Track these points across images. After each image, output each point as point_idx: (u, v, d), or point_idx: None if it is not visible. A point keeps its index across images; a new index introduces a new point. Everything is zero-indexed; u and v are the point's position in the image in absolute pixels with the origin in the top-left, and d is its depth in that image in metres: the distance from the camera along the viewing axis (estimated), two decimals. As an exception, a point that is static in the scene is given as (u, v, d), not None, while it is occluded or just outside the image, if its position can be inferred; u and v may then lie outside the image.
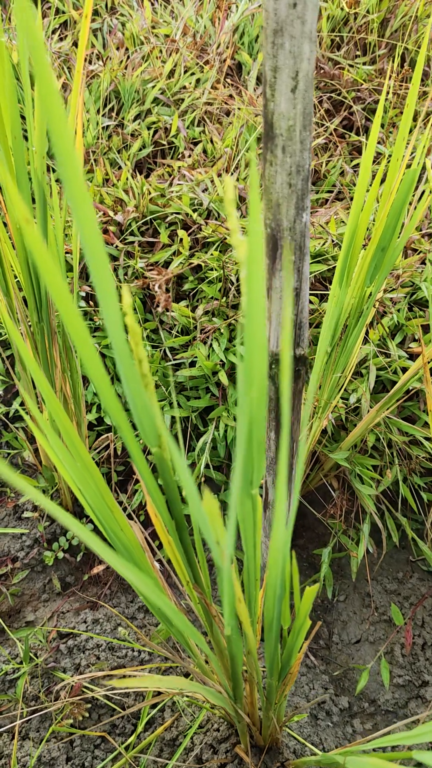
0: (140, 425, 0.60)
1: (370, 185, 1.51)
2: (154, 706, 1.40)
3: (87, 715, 1.35)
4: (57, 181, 1.79)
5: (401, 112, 1.90)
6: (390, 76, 1.92)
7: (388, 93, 1.91)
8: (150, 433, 0.61)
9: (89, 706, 1.36)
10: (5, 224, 1.08)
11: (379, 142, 1.89)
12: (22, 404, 1.75)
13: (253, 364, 0.50)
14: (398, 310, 1.52)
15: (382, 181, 1.76)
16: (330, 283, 1.58)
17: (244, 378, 0.53)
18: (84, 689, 1.36)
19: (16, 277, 1.25)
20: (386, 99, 1.93)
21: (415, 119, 1.92)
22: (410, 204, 1.58)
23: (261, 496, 1.26)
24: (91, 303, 1.65)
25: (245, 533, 0.66)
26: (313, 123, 0.73)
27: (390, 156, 1.81)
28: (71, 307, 0.41)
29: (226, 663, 0.84)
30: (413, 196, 1.55)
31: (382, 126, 1.92)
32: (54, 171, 1.86)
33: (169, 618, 0.59)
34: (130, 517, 1.64)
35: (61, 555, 1.61)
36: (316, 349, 1.23)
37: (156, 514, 0.80)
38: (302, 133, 0.70)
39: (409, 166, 1.79)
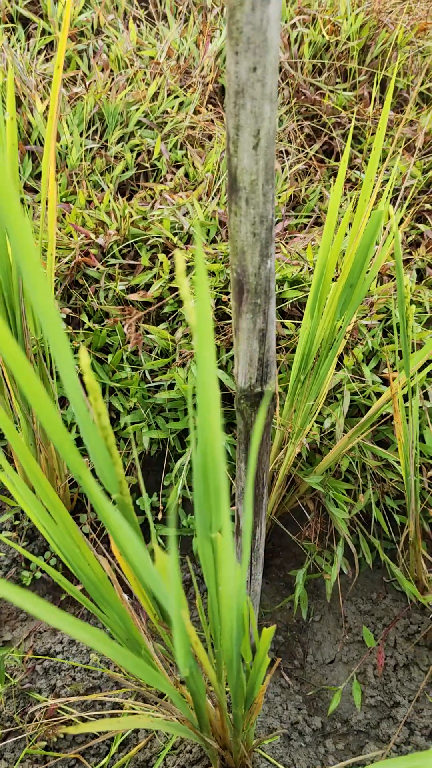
0: (101, 474, 0.62)
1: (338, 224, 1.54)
2: (128, 727, 1.41)
3: (62, 736, 1.36)
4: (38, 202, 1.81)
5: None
6: (369, 104, 1.96)
7: (366, 120, 1.95)
8: (111, 482, 0.63)
9: (64, 727, 1.37)
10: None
11: (357, 168, 1.92)
12: None
13: (206, 419, 0.52)
14: (373, 336, 1.55)
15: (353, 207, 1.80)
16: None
17: (199, 430, 0.55)
18: (59, 711, 1.37)
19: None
20: (364, 125, 1.96)
21: (399, 144, 1.95)
22: (384, 228, 1.61)
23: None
24: (70, 327, 1.67)
25: (207, 574, 0.68)
26: (275, 178, 0.76)
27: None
28: (33, 382, 0.43)
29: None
30: (384, 228, 1.58)
31: (360, 152, 1.95)
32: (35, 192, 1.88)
33: (128, 668, 0.61)
34: (107, 538, 1.65)
35: (39, 575, 1.62)
36: (290, 374, 1.25)
37: (120, 554, 0.82)
38: (264, 186, 0.72)
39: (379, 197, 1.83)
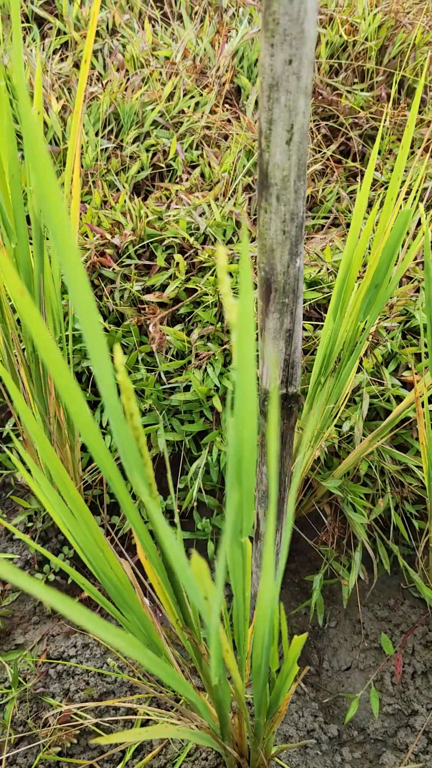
0: (131, 475, 0.61)
1: (366, 215, 1.53)
2: (142, 733, 1.39)
3: (75, 741, 1.35)
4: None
5: (398, 139, 1.92)
6: (387, 104, 1.94)
7: (384, 120, 1.93)
8: (141, 483, 0.61)
9: (77, 732, 1.36)
10: None
11: (376, 169, 1.90)
12: (15, 426, 1.75)
13: (243, 424, 0.50)
14: (392, 338, 1.53)
15: (380, 206, 1.78)
16: (325, 311, 1.59)
17: (234, 434, 0.53)
18: (72, 716, 1.35)
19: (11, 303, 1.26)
20: (383, 126, 1.94)
21: (412, 146, 1.93)
22: (408, 233, 1.59)
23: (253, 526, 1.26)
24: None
25: (235, 579, 0.66)
26: (306, 174, 0.74)
27: (386, 184, 1.83)
28: (71, 383, 0.42)
29: (213, 700, 0.84)
30: (409, 229, 1.56)
31: (379, 153, 1.93)
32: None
33: (157, 674, 0.60)
34: (121, 541, 1.64)
35: (52, 577, 1.60)
36: (310, 377, 1.23)
37: (146, 558, 0.80)
38: (296, 182, 0.71)
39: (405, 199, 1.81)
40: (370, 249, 1.59)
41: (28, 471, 1.50)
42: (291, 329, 0.84)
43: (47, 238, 0.97)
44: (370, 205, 1.82)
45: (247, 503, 0.60)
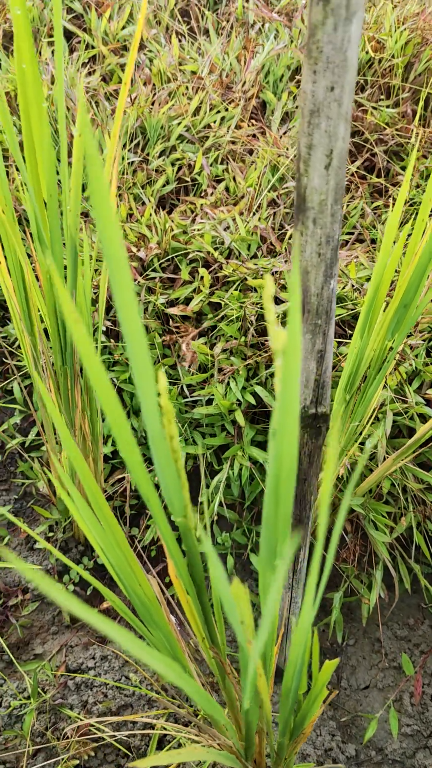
0: (167, 496, 0.61)
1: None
2: (160, 747, 1.39)
3: (93, 754, 1.35)
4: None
5: (424, 156, 1.92)
6: (414, 121, 1.95)
7: (410, 137, 1.93)
8: (177, 504, 0.61)
9: (95, 745, 1.36)
10: (34, 270, 1.10)
11: (400, 185, 1.90)
12: (38, 435, 1.77)
13: (282, 452, 0.51)
14: (416, 356, 1.53)
15: (407, 224, 1.78)
16: (349, 327, 1.59)
17: (274, 460, 0.54)
18: (90, 728, 1.35)
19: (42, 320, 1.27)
20: (408, 143, 1.95)
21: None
22: None
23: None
24: (111, 339, 1.67)
25: (267, 604, 0.66)
26: (343, 197, 0.75)
27: (410, 200, 1.83)
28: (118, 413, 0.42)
29: (238, 721, 0.84)
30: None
31: (403, 169, 1.94)
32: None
33: (192, 696, 0.60)
34: (142, 551, 1.64)
35: (71, 588, 1.61)
36: (334, 393, 1.23)
37: (177, 576, 0.80)
38: (333, 206, 0.71)
39: None
40: (398, 269, 1.59)
41: (62, 486, 1.51)
42: (323, 350, 0.84)
43: (82, 262, 0.98)
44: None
45: (283, 526, 0.60)
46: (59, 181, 0.90)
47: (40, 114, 0.77)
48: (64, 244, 0.97)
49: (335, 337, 1.57)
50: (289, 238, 1.77)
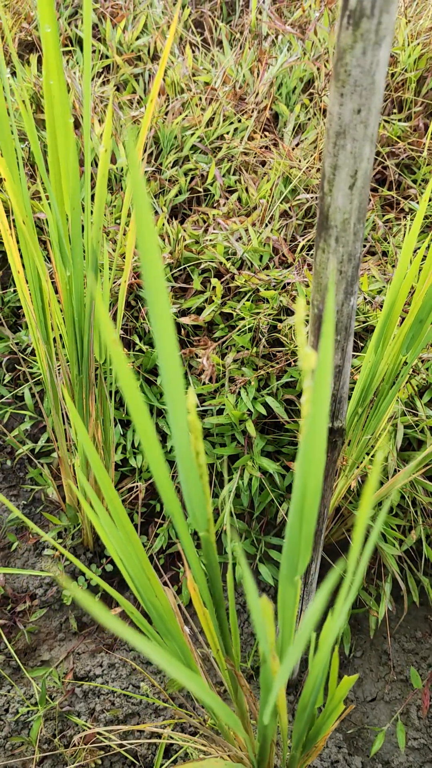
0: (191, 510, 0.62)
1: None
2: (166, 756, 1.39)
3: (100, 762, 1.35)
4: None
5: (435, 170, 1.93)
6: (426, 135, 1.96)
7: (422, 150, 1.94)
8: (200, 519, 0.62)
9: (102, 753, 1.36)
10: (53, 281, 1.11)
11: (411, 198, 1.91)
12: (48, 441, 1.77)
13: (308, 470, 0.51)
14: (427, 369, 1.53)
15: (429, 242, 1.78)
16: (361, 340, 1.60)
17: (300, 479, 0.54)
18: (98, 736, 1.36)
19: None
20: (420, 156, 1.96)
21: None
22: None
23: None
24: (123, 348, 1.67)
25: (284, 619, 0.66)
26: (366, 217, 0.76)
27: (427, 216, 1.83)
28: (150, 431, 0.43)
29: (249, 732, 0.85)
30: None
31: (414, 182, 1.95)
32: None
33: (214, 711, 0.60)
34: (150, 559, 1.64)
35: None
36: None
37: (195, 588, 0.81)
38: (356, 225, 0.72)
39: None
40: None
41: (80, 493, 1.52)
42: (341, 365, 0.85)
43: (100, 270, 0.99)
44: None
45: (305, 544, 0.61)
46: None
47: (66, 129, 0.78)
48: (84, 256, 0.98)
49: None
50: (302, 249, 1.78)
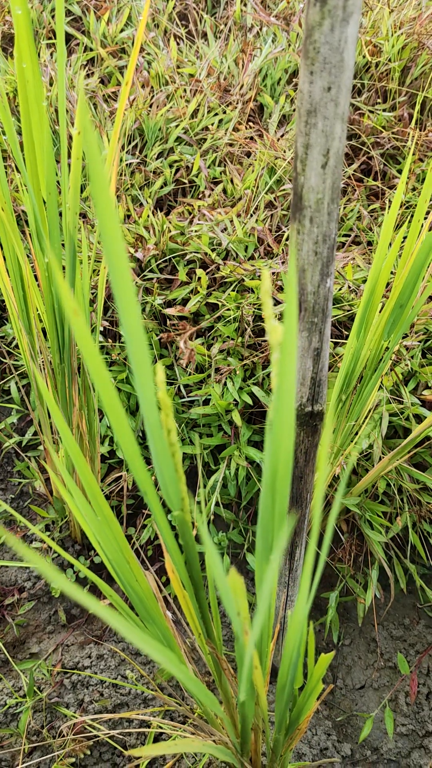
0: (165, 489, 0.62)
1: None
2: (155, 746, 1.39)
3: (89, 752, 1.35)
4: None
5: (420, 159, 1.94)
6: (410, 125, 1.96)
7: (406, 140, 1.95)
8: (174, 498, 0.62)
9: (91, 743, 1.36)
10: (33, 269, 1.11)
11: (394, 188, 1.92)
12: (35, 434, 1.77)
13: (279, 447, 0.51)
14: (412, 357, 1.53)
15: (402, 227, 1.79)
16: (345, 328, 1.60)
17: (271, 455, 0.54)
18: (86, 727, 1.36)
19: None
20: (405, 146, 1.96)
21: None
22: None
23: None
24: (109, 339, 1.67)
25: (261, 596, 0.66)
26: (339, 197, 0.76)
27: (407, 203, 1.84)
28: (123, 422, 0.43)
29: (235, 719, 0.85)
30: None
31: (399, 172, 1.95)
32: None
33: (193, 692, 0.60)
34: (139, 550, 1.64)
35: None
36: (330, 393, 1.24)
37: (173, 571, 0.81)
38: (330, 205, 0.72)
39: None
40: (393, 270, 1.60)
41: (59, 479, 1.52)
42: (319, 348, 0.85)
43: (81, 262, 0.99)
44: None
45: (279, 521, 0.61)
46: (58, 181, 0.91)
47: (39, 112, 0.78)
48: (63, 244, 0.98)
49: (332, 338, 1.58)
50: (287, 239, 1.78)
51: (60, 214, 1.06)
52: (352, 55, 0.63)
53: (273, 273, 1.63)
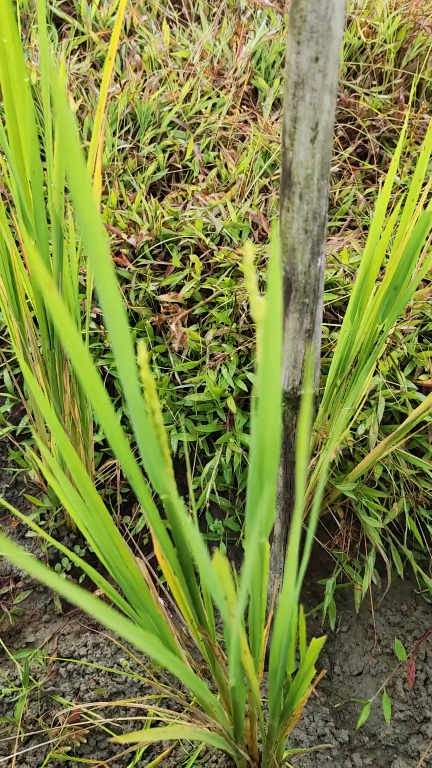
0: (151, 472, 0.60)
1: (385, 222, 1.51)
2: (152, 734, 1.39)
3: (85, 741, 1.34)
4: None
5: (416, 142, 1.91)
6: (406, 107, 1.94)
7: (402, 123, 1.92)
8: (160, 481, 0.61)
9: (87, 732, 1.35)
10: (21, 255, 1.09)
11: (392, 172, 1.89)
12: (28, 423, 1.76)
13: (266, 426, 0.50)
14: (408, 342, 1.52)
15: (400, 209, 1.77)
16: (341, 313, 1.58)
17: (257, 435, 0.53)
18: (82, 716, 1.35)
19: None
20: (401, 129, 1.93)
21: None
22: (427, 238, 1.58)
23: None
24: (101, 326, 1.65)
25: (253, 581, 0.65)
26: (330, 172, 0.74)
27: (403, 186, 1.82)
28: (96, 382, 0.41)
29: (228, 705, 0.84)
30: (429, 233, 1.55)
31: (396, 155, 1.92)
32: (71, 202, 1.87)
33: (180, 677, 0.59)
34: (134, 540, 1.63)
35: (63, 576, 1.60)
36: (325, 379, 1.23)
37: (163, 556, 0.80)
38: (320, 181, 0.70)
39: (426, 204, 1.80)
40: (388, 252, 1.58)
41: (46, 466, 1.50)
42: (311, 329, 0.84)
43: (72, 240, 0.97)
44: (388, 208, 1.81)
45: (269, 504, 0.59)
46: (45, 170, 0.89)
47: (22, 89, 0.76)
48: (49, 227, 0.96)
49: (327, 323, 1.56)
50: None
51: (46, 200, 1.04)
52: (341, 23, 0.61)
53: (267, 258, 1.61)
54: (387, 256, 1.55)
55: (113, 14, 2.31)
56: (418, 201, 1.00)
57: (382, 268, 1.57)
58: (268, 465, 0.55)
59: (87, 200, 0.41)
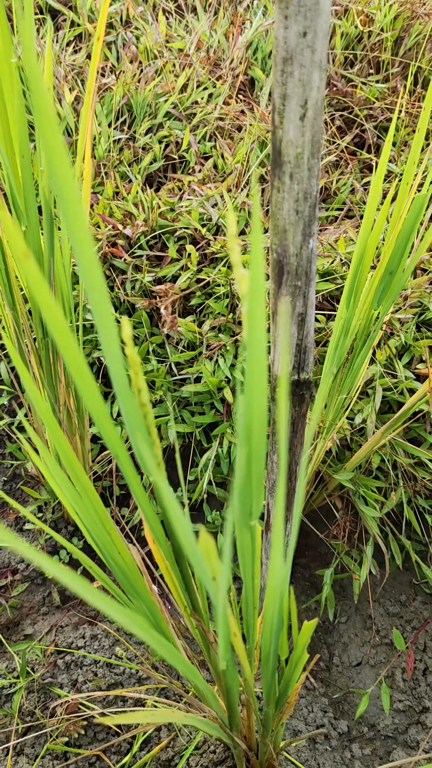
0: (137, 452, 0.60)
1: (380, 206, 1.51)
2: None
3: (83, 732, 1.34)
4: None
5: (413, 131, 1.90)
6: (402, 95, 1.92)
7: (400, 111, 1.91)
8: (148, 461, 0.60)
9: (85, 723, 1.35)
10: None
11: (390, 161, 1.88)
12: (26, 415, 1.75)
13: (253, 402, 0.49)
14: (406, 331, 1.51)
15: (393, 199, 1.75)
16: (338, 303, 1.57)
17: (244, 412, 0.52)
18: (80, 707, 1.35)
19: (22, 291, 1.25)
20: (398, 117, 1.92)
21: (427, 138, 1.91)
22: (421, 224, 1.57)
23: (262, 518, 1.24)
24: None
25: (244, 564, 0.65)
26: (321, 150, 0.73)
27: (401, 175, 1.80)
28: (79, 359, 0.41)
29: (224, 692, 0.83)
30: (423, 218, 1.54)
31: (394, 144, 1.91)
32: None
33: (172, 662, 0.59)
34: (131, 532, 1.63)
35: (60, 567, 1.60)
36: (322, 368, 1.22)
37: (154, 541, 0.79)
38: (310, 160, 0.69)
39: (420, 188, 1.79)
40: (383, 239, 1.57)
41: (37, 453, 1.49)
42: (303, 313, 0.83)
43: (59, 228, 0.96)
44: (384, 196, 1.80)
45: (257, 484, 0.59)
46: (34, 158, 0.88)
47: (9, 69, 0.75)
48: (40, 213, 0.95)
49: (324, 312, 1.55)
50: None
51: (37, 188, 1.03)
52: (329, -3, 0.60)
53: (266, 248, 1.60)
54: (382, 242, 1.54)
55: (110, 5, 2.30)
56: (411, 187, 0.99)
57: (378, 256, 1.56)
58: (256, 445, 0.54)
59: (65, 175, 0.41)
